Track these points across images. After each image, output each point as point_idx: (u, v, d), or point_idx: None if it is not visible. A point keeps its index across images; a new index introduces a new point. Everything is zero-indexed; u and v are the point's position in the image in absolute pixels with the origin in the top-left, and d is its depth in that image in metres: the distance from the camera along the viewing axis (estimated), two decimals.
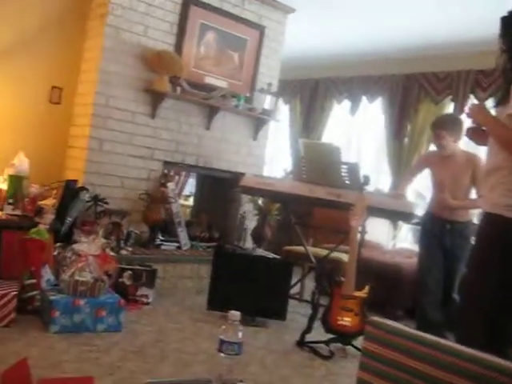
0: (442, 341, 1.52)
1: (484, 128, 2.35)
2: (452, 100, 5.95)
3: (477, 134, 2.44)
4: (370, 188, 4.38)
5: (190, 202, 6.12)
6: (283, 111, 7.82)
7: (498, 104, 2.32)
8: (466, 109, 2.53)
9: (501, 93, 2.33)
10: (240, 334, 1.57)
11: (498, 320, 2.10)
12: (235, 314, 1.56)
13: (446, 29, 5.23)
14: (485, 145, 2.37)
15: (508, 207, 2.10)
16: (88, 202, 4.23)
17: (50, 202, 4.09)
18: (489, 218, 2.21)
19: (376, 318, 1.69)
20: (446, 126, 3.79)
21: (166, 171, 4.90)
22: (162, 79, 4.55)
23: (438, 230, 3.85)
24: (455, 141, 3.79)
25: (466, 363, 1.38)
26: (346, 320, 3.46)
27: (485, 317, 2.12)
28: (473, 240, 3.18)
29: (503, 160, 2.14)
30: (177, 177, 6.02)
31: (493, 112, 2.31)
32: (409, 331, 1.60)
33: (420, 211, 4.66)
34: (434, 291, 3.82)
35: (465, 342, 1.52)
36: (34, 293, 3.32)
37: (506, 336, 2.09)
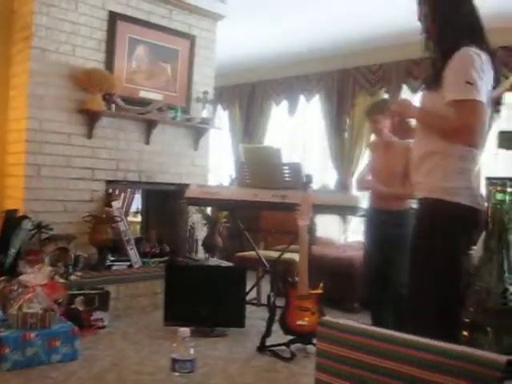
0: (394, 333, 1.54)
1: (409, 121, 2.40)
2: (386, 91, 6.09)
3: (402, 129, 2.48)
4: (315, 185, 4.45)
5: (139, 218, 6.04)
6: (223, 118, 7.83)
7: (427, 87, 2.30)
8: (393, 106, 2.49)
9: (430, 75, 2.29)
10: (192, 351, 1.55)
11: (450, 306, 2.13)
12: (185, 331, 1.54)
13: (373, 21, 5.35)
14: (410, 138, 2.42)
15: (447, 190, 2.14)
16: (31, 230, 4.11)
17: None
18: (427, 204, 2.25)
19: (326, 318, 1.71)
20: (381, 110, 3.67)
21: (109, 190, 4.82)
22: (95, 98, 4.46)
23: (376, 220, 3.75)
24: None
25: (419, 352, 1.41)
26: (304, 320, 3.48)
27: (436, 304, 2.15)
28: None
29: (437, 145, 2.17)
30: (122, 194, 5.93)
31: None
32: (360, 327, 1.62)
33: (365, 203, 4.76)
34: (373, 282, 3.75)
35: (419, 331, 1.55)
36: None
37: (458, 320, 2.12)
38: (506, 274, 2.03)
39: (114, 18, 4.69)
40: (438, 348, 1.38)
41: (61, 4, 4.38)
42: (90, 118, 4.53)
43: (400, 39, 5.72)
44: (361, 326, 1.61)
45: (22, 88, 4.35)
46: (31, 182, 4.27)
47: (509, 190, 2.10)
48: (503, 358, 1.25)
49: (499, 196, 2.11)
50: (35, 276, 3.37)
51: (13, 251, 3.84)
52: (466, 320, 2.03)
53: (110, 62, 4.67)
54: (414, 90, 5.82)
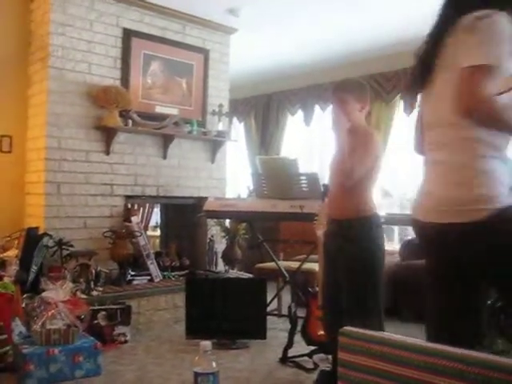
0: (416, 341, 1.53)
1: None
2: (401, 97, 6.07)
3: None
4: None
5: (158, 232, 6.07)
6: (239, 130, 7.86)
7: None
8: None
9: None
10: (214, 364, 1.56)
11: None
12: (206, 345, 1.54)
13: (389, 29, 5.35)
14: None
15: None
16: (52, 247, 4.16)
17: (12, 253, 4.00)
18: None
19: (347, 327, 1.70)
20: (352, 88, 3.04)
21: (128, 205, 4.86)
22: (112, 114, 4.52)
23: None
24: (361, 110, 3.03)
25: (441, 360, 1.39)
26: None
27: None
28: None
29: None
30: (141, 209, 5.98)
31: None
32: (381, 336, 1.61)
33: (384, 210, 4.73)
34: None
35: None
36: (6, 348, 3.23)
37: None
38: None
39: (128, 35, 4.76)
40: (460, 356, 1.37)
41: (76, 24, 4.45)
42: (108, 135, 4.58)
43: (414, 45, 5.71)
44: (382, 334, 1.60)
45: (40, 107, 4.43)
46: (51, 199, 4.32)
47: None
48: None
49: None
50: (57, 292, 3.41)
51: (35, 268, 3.89)
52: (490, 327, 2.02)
53: (125, 79, 4.73)
54: None
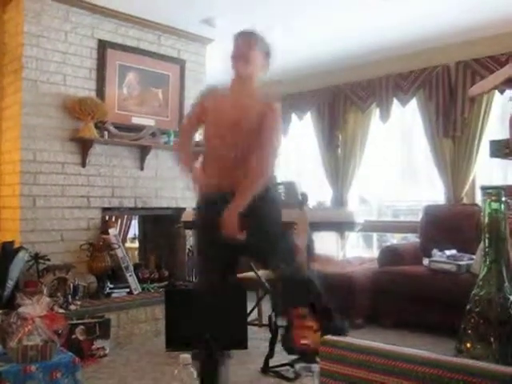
0: (397, 349, 1.54)
1: None
2: (377, 105, 6.12)
3: None
4: (311, 203, 4.45)
5: (136, 243, 6.02)
6: None
7: None
8: None
9: None
10: (195, 375, 1.54)
11: None
12: (185, 357, 1.53)
13: (361, 38, 5.40)
14: None
15: None
16: (28, 261, 4.10)
17: None
18: None
19: (328, 337, 1.70)
20: (258, 41, 2.87)
21: (106, 218, 4.82)
22: (88, 126, 4.48)
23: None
24: (262, 71, 2.95)
25: (422, 367, 1.40)
26: (307, 339, 3.45)
27: None
28: None
29: None
30: (119, 221, 5.93)
31: None
32: (362, 345, 1.61)
33: (362, 217, 4.76)
34: None
35: None
36: None
37: None
38: (506, 284, 2.03)
39: (103, 46, 4.73)
40: (440, 362, 1.37)
41: (50, 35, 4.41)
42: (83, 147, 4.54)
43: (388, 53, 5.79)
44: (362, 343, 1.61)
45: (14, 120, 4.37)
46: (27, 213, 4.26)
47: (503, 198, 2.10)
48: (509, 369, 1.24)
49: (494, 205, 2.12)
50: (34, 307, 3.34)
51: (10, 283, 3.82)
52: (469, 331, 2.02)
53: (101, 90, 4.70)
54: (403, 103, 5.87)
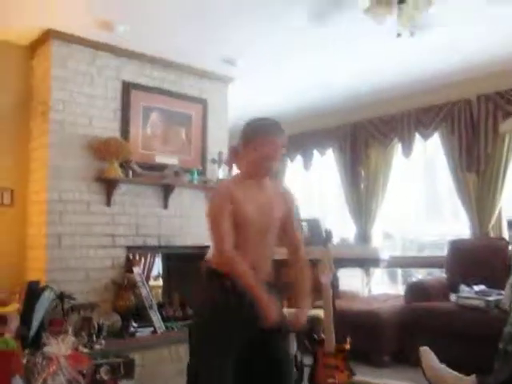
0: None
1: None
2: (399, 140, 6.13)
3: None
4: (335, 239, 4.42)
5: (160, 282, 6.01)
6: None
7: None
8: None
9: None
10: None
11: None
12: None
13: (382, 73, 5.45)
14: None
15: None
16: (53, 300, 4.12)
17: (13, 308, 3.95)
18: None
19: (357, 377, 1.67)
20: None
21: (130, 256, 4.84)
22: (113, 166, 4.55)
23: None
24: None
25: None
26: (334, 378, 3.40)
27: None
28: None
29: None
30: (143, 259, 5.94)
31: None
32: None
33: (387, 253, 4.71)
34: None
35: None
36: None
37: None
38: None
39: (127, 88, 4.85)
40: None
41: (76, 78, 4.54)
42: (108, 186, 4.60)
43: (409, 89, 5.82)
44: (390, 383, 1.58)
45: (41, 161, 4.46)
46: (53, 252, 4.31)
47: None
48: None
49: None
50: (58, 347, 3.35)
51: (36, 323, 3.83)
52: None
53: (125, 130, 4.79)
54: (425, 138, 5.86)
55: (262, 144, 2.44)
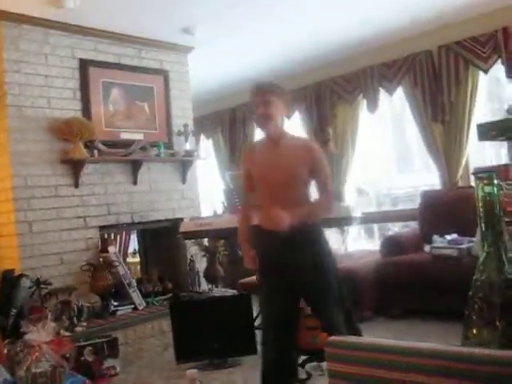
0: (402, 343, 1.52)
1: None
2: (364, 97, 6.12)
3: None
4: None
5: (138, 258, 6.00)
6: (208, 147, 7.83)
7: None
8: None
9: None
10: None
11: None
12: (192, 373, 1.52)
13: (340, 32, 5.40)
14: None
15: None
16: (30, 287, 4.08)
17: None
18: None
19: (332, 338, 1.68)
20: (275, 89, 2.79)
21: (104, 236, 4.80)
22: (77, 146, 4.47)
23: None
24: (283, 116, 2.85)
25: (432, 360, 1.38)
26: (315, 337, 3.44)
27: None
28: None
29: None
30: (118, 238, 5.91)
31: None
32: (367, 342, 1.60)
33: (360, 210, 4.74)
34: None
35: None
36: None
37: None
38: (506, 266, 2.02)
39: (85, 66, 4.73)
40: (443, 353, 1.36)
41: (30, 59, 4.40)
42: (75, 167, 4.53)
43: (370, 44, 5.78)
44: (368, 340, 1.59)
45: (2, 147, 4.35)
46: (24, 239, 4.25)
47: (495, 181, 2.09)
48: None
49: (487, 189, 2.11)
50: (39, 334, 3.33)
51: (14, 311, 3.80)
52: (473, 317, 2.01)
53: (87, 109, 4.69)
54: (390, 92, 5.86)
55: (252, 104, 2.78)
